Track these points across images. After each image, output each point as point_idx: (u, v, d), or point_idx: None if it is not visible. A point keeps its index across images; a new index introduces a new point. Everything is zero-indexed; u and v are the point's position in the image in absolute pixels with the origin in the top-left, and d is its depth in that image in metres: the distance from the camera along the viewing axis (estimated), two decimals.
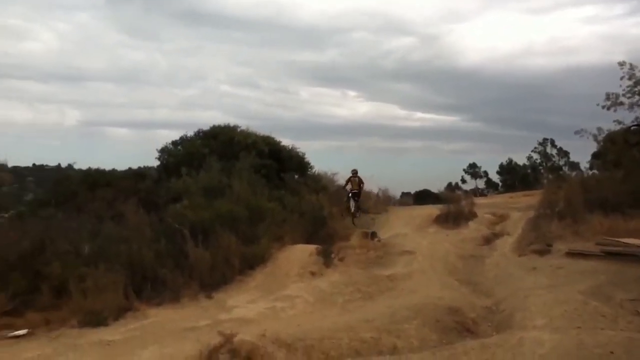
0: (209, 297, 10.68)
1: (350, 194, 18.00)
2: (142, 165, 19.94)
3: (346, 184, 18.55)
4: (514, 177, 40.63)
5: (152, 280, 10.42)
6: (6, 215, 16.19)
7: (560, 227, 13.90)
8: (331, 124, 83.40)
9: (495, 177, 43.28)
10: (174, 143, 18.46)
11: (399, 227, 17.18)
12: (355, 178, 18.32)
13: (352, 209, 17.77)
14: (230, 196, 13.94)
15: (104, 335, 8.51)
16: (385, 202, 21.27)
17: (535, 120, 69.59)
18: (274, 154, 18.14)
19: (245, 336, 7.24)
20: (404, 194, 26.83)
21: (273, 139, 19.05)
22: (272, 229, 13.50)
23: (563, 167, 38.66)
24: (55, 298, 9.52)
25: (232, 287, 11.32)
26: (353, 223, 17.45)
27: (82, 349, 7.82)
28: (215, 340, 6.88)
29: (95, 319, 9.04)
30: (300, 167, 19.05)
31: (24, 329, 8.67)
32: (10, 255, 10.01)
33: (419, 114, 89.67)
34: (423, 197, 25.37)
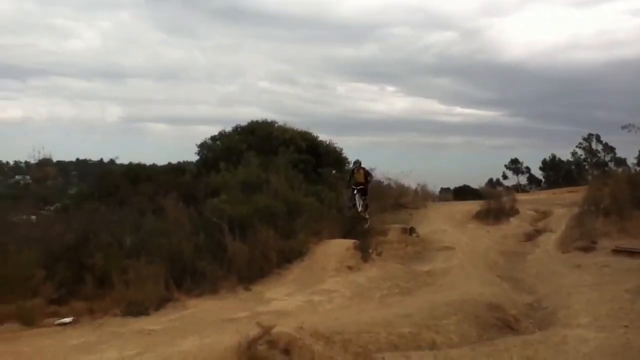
0: (247, 289, 10.79)
1: (355, 191, 14.58)
2: (181, 160, 20.28)
3: (349, 178, 15.13)
4: (558, 173, 39.58)
5: (192, 273, 10.60)
6: (51, 208, 16.72)
7: (606, 224, 13.55)
8: (369, 119, 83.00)
9: (537, 173, 42.21)
10: (213, 138, 18.69)
11: (438, 222, 16.95)
12: (359, 170, 15.01)
13: (360, 208, 14.50)
14: (268, 191, 13.99)
15: (146, 324, 8.71)
16: (424, 197, 20.96)
17: (580, 115, 67.74)
18: (311, 149, 18.10)
19: (283, 328, 7.26)
20: (443, 190, 26.42)
21: (310, 134, 19.00)
22: (310, 223, 13.49)
23: (609, 163, 37.42)
24: (99, 288, 9.82)
25: (270, 280, 11.40)
26: (364, 227, 14.62)
27: (125, 338, 8.00)
28: (254, 331, 6.91)
29: (137, 309, 9.28)
30: (337, 162, 18.98)
31: (70, 317, 8.98)
32: (55, 247, 10.37)
33: (459, 109, 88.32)
34: (463, 193, 25.00)
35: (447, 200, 23.59)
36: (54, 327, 8.66)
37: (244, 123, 19.13)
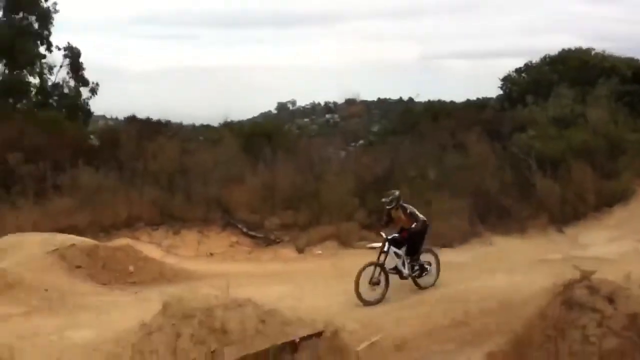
0: (560, 231, 10.18)
1: (386, 244, 7.64)
2: (480, 97, 19.72)
3: (385, 223, 8.01)
4: None
5: (497, 209, 10.39)
6: (358, 144, 18.14)
7: None
8: None
9: None
10: (518, 71, 17.59)
11: None
12: (397, 210, 7.82)
13: (405, 272, 7.58)
14: (585, 126, 12.74)
15: (452, 256, 8.78)
16: None
17: None
18: (639, 79, 15.54)
19: (605, 276, 6.39)
20: None
21: (638, 61, 16.39)
22: (636, 163, 11.90)
23: None
24: None
25: (586, 224, 10.48)
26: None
27: None
28: (570, 275, 6.23)
29: (442, 241, 9.39)
30: None
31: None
32: (366, 178, 11.19)
33: None
34: None
35: None
36: (365, 250, 9.34)
37: (552, 53, 17.54)
